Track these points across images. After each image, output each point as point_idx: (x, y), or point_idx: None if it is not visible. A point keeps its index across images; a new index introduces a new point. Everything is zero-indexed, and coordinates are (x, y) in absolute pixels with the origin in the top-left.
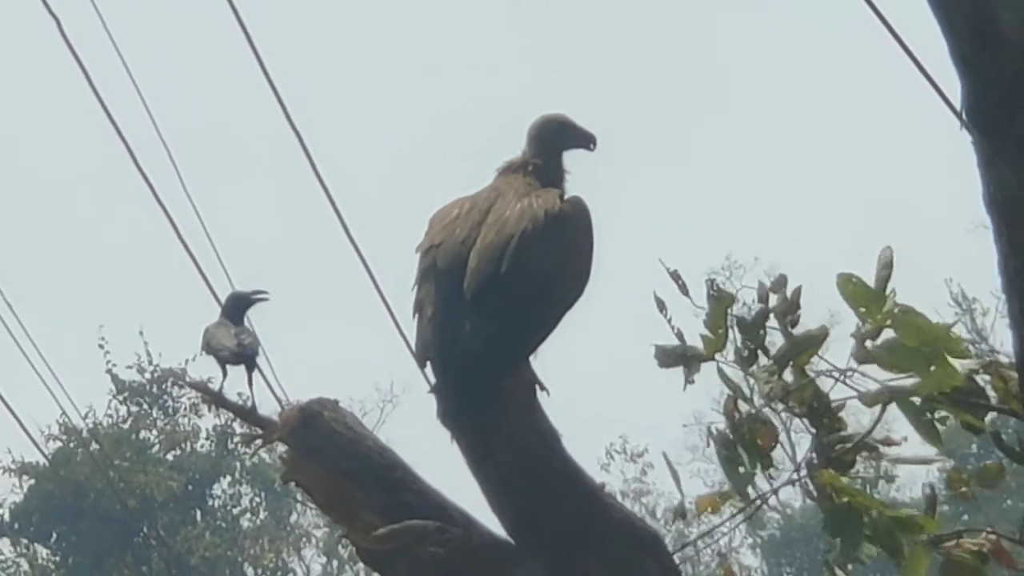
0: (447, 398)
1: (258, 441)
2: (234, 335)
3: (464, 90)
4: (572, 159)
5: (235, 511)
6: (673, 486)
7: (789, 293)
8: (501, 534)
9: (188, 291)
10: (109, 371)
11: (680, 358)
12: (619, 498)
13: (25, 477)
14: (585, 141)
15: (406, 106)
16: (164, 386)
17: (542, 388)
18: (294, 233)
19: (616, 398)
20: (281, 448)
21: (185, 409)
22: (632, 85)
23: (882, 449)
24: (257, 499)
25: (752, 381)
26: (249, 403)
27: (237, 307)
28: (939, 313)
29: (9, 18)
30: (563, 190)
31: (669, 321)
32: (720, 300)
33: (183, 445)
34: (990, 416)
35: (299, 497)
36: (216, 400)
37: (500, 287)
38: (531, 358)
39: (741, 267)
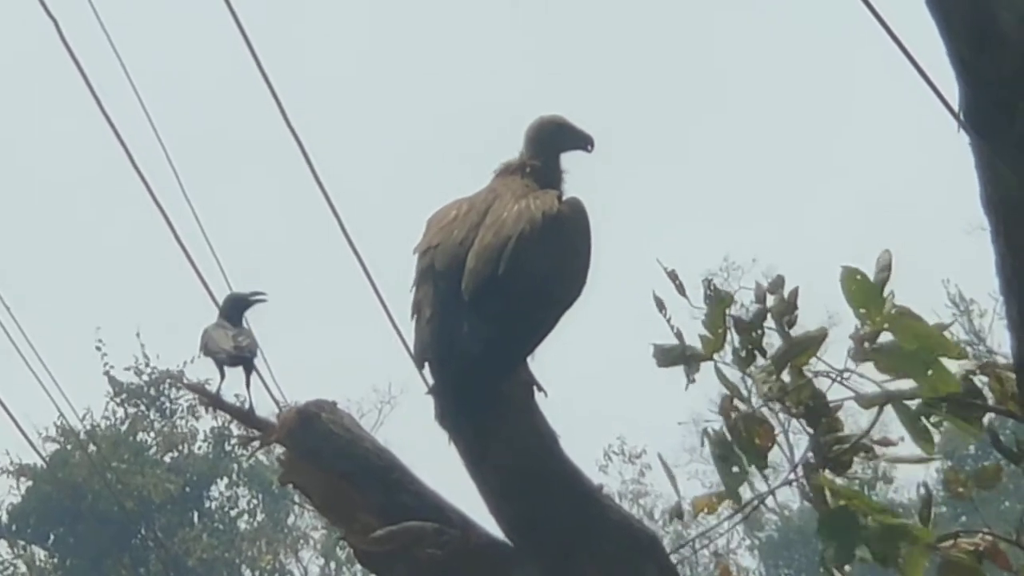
0: (445, 399)
1: (256, 443)
2: (232, 337)
3: (462, 92)
4: (570, 160)
5: (233, 513)
6: (671, 488)
7: (786, 294)
8: (499, 535)
9: (186, 293)
10: (107, 373)
11: (679, 358)
12: (617, 499)
13: (23, 479)
14: (582, 142)
15: (404, 108)
16: (161, 388)
17: (540, 389)
18: (292, 235)
19: (614, 399)
20: (279, 450)
21: (183, 411)
22: (630, 87)
23: (879, 450)
24: (255, 501)
25: (750, 382)
26: (247, 405)
27: (235, 308)
28: (937, 314)
29: (8, 20)
30: (561, 191)
31: (668, 320)
32: (719, 300)
33: (180, 447)
34: (988, 417)
35: (297, 499)
36: (214, 402)
37: (498, 289)
38: (529, 359)
39: (739, 268)
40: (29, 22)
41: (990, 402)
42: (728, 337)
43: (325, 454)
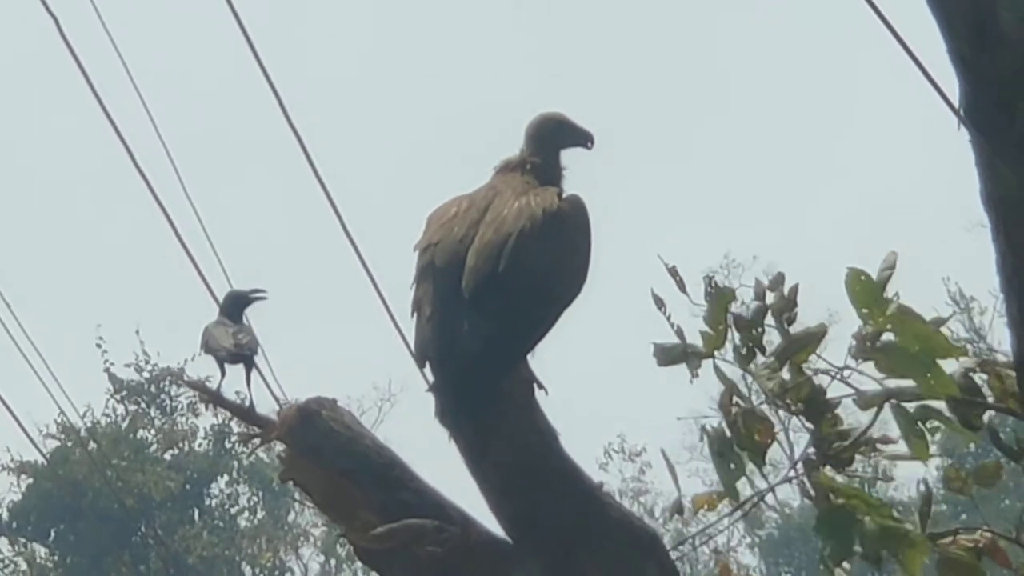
0: (445, 397)
1: (256, 440)
2: (232, 334)
3: (464, 92)
4: (572, 160)
5: (233, 510)
6: (671, 486)
7: (786, 291)
8: (499, 533)
9: (187, 291)
10: (107, 370)
11: (679, 355)
12: (617, 497)
13: (23, 476)
14: (582, 139)
15: (406, 108)
16: (162, 385)
17: (540, 387)
18: (293, 233)
19: (614, 397)
20: (279, 447)
21: (183, 408)
22: (633, 88)
23: (879, 447)
24: (255, 498)
25: (750, 379)
26: (247, 402)
27: (235, 306)
28: (938, 312)
29: (8, 18)
30: (561, 189)
31: (668, 318)
32: (720, 296)
33: (181, 444)
34: (988, 415)
35: (297, 496)
36: (214, 399)
37: (498, 286)
38: (529, 357)
39: (739, 266)
40: (30, 20)
41: (990, 400)
42: (729, 335)
43: (325, 451)
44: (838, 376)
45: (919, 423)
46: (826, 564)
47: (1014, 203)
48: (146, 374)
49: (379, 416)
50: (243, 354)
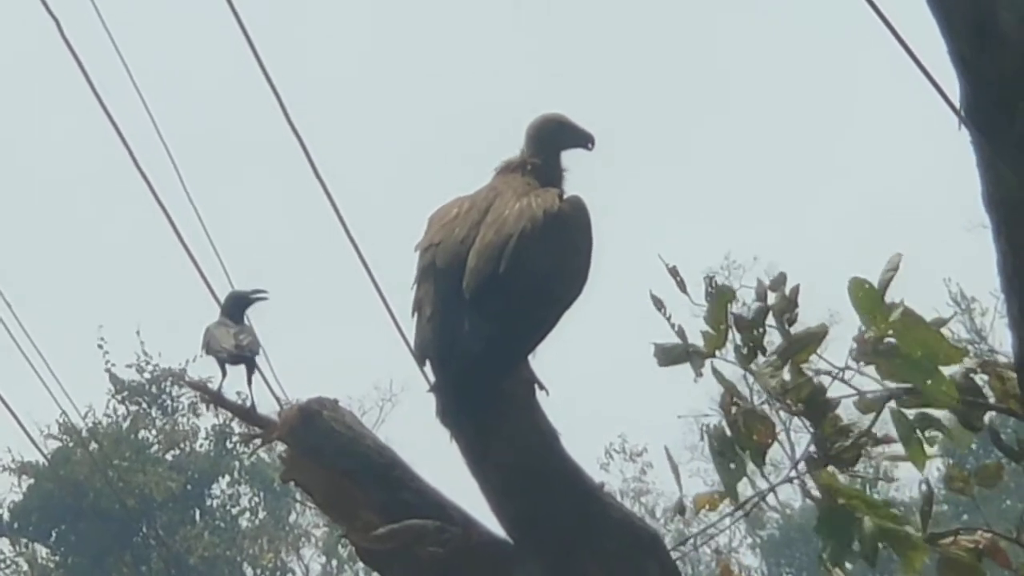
0: (446, 397)
1: (257, 440)
2: (233, 335)
3: (465, 92)
4: (572, 160)
5: (234, 511)
6: (673, 485)
7: (787, 291)
8: (500, 533)
9: (188, 291)
10: (108, 370)
11: (681, 355)
12: (618, 497)
13: (24, 476)
14: (583, 140)
15: (407, 108)
16: (163, 386)
17: (541, 387)
18: (294, 233)
19: (615, 397)
20: (280, 447)
21: (184, 409)
22: (633, 88)
23: (880, 448)
24: (256, 499)
25: (751, 379)
26: (248, 402)
27: (236, 306)
28: (939, 313)
29: (9, 18)
30: (562, 190)
31: (668, 319)
32: (721, 295)
33: (182, 445)
34: (989, 415)
35: (298, 496)
36: (215, 399)
37: (499, 287)
38: (530, 357)
39: (740, 267)
40: (30, 21)
41: (991, 400)
42: (730, 335)
43: (327, 452)
44: (839, 377)
45: (918, 430)
46: (825, 564)
47: (1015, 204)
48: (147, 374)
49: (380, 416)
50: (244, 355)
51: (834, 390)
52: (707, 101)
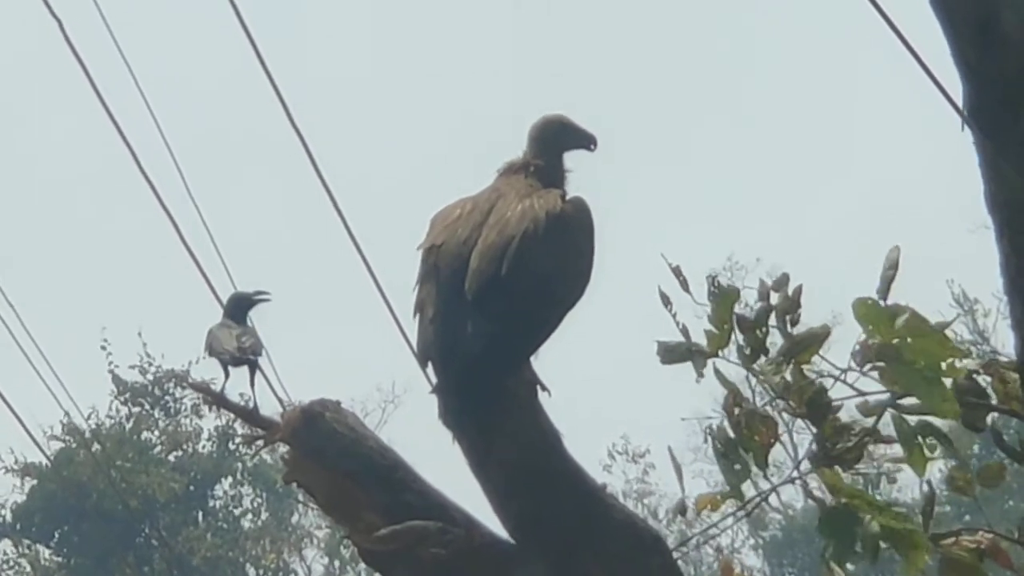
0: (449, 398)
1: (260, 442)
2: (236, 337)
3: (465, 93)
4: (574, 160)
5: (237, 512)
6: (675, 487)
7: (790, 292)
8: (503, 535)
9: (190, 292)
10: (111, 372)
11: (684, 354)
12: (621, 499)
13: (27, 477)
14: (585, 141)
15: (408, 108)
16: (166, 387)
17: (543, 389)
18: (296, 234)
19: (618, 399)
20: (283, 449)
21: (187, 410)
22: (634, 88)
23: (882, 450)
24: (259, 500)
25: (754, 380)
26: (251, 404)
27: (239, 308)
28: (942, 314)
29: (11, 19)
30: (564, 191)
31: (674, 316)
32: (725, 295)
33: (185, 446)
34: (991, 416)
35: (301, 498)
36: (218, 401)
37: (501, 288)
38: (532, 359)
39: (743, 268)
40: (33, 21)
41: (993, 402)
42: (733, 335)
43: (329, 453)
44: (841, 378)
45: (918, 437)
46: (828, 564)
47: (1018, 206)
48: (150, 376)
49: (383, 418)
50: (247, 357)
51: (836, 392)
52: (708, 101)
